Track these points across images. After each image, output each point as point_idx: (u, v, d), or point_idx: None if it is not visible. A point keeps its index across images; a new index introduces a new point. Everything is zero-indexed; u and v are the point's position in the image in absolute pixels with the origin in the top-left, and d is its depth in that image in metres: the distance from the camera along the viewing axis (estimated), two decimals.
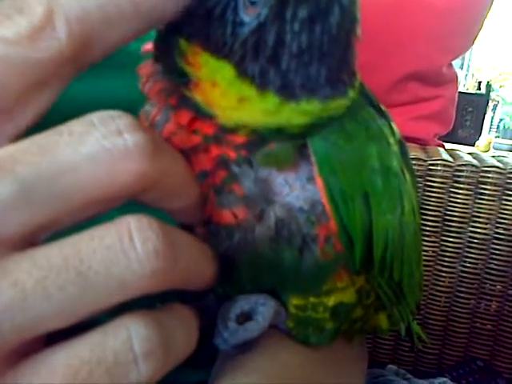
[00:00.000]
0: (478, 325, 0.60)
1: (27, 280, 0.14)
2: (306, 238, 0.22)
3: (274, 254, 0.22)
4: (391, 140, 0.23)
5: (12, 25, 0.15)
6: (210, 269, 0.19)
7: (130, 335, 0.15)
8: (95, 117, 0.16)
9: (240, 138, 0.20)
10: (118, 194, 0.16)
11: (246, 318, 0.24)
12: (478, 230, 0.58)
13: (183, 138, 0.20)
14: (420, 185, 0.58)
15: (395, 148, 0.23)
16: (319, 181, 0.21)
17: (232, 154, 0.20)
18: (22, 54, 0.15)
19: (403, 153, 0.25)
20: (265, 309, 0.24)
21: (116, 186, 0.16)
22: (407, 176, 0.24)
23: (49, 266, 0.14)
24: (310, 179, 0.21)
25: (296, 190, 0.21)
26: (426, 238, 0.59)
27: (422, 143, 0.68)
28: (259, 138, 0.20)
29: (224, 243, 0.22)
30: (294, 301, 0.24)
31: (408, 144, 0.65)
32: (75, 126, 0.15)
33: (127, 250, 0.15)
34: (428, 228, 0.59)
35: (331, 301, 0.24)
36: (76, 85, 0.20)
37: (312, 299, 0.24)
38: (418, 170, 0.58)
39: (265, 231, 0.21)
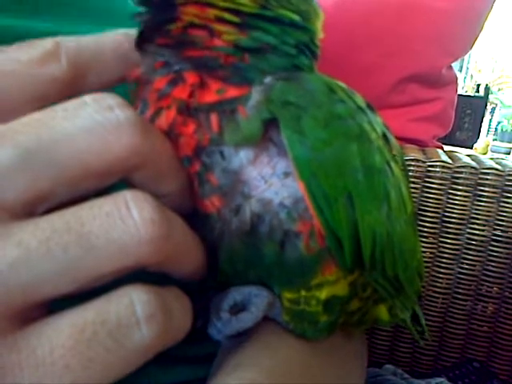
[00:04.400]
0: (474, 326, 0.60)
1: (31, 240, 0.15)
2: (287, 233, 0.22)
3: (252, 249, 0.22)
4: (373, 135, 0.23)
5: (26, 52, 0.19)
6: (200, 254, 0.21)
7: (132, 300, 0.16)
8: (87, 96, 0.17)
9: (212, 96, 0.21)
10: (111, 168, 0.17)
11: (239, 309, 0.24)
12: (476, 232, 0.58)
13: (161, 120, 0.21)
14: (418, 186, 0.58)
15: (378, 143, 0.23)
16: (301, 185, 0.21)
17: (206, 136, 0.21)
18: (31, 72, 0.19)
19: (388, 144, 0.25)
20: (258, 300, 0.24)
21: (110, 158, 0.17)
22: (394, 168, 0.24)
23: (51, 228, 0.15)
24: (287, 174, 0.21)
25: (274, 185, 0.21)
26: (423, 240, 0.59)
27: (421, 144, 0.68)
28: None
29: (207, 236, 0.22)
30: (287, 294, 0.25)
31: (407, 145, 0.66)
32: (69, 103, 0.17)
33: (125, 217, 0.16)
34: (426, 229, 0.59)
35: (323, 294, 0.24)
36: None
37: (303, 293, 0.24)
38: (416, 172, 0.58)
39: (241, 226, 0.22)
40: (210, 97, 0.21)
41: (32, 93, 0.19)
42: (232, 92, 0.21)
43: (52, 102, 0.19)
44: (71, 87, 0.20)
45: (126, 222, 0.16)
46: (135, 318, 0.16)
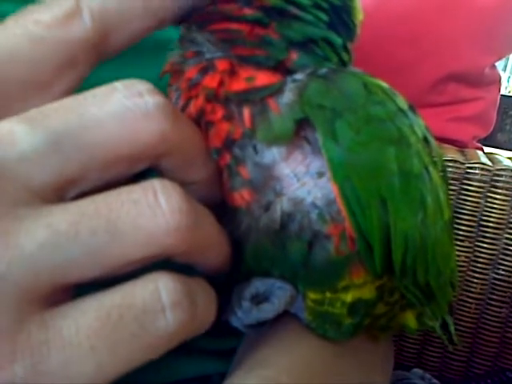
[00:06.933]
0: (509, 335, 0.58)
1: (60, 223, 0.15)
2: (317, 234, 0.22)
3: (279, 247, 0.22)
4: (412, 139, 0.22)
5: (47, 12, 0.18)
6: (225, 247, 0.20)
7: (158, 287, 0.16)
8: (117, 83, 0.17)
9: (242, 84, 0.21)
10: (140, 154, 0.17)
11: (261, 299, 0.24)
12: None
13: (190, 108, 0.21)
14: (456, 188, 0.57)
15: (417, 147, 0.23)
16: (335, 187, 0.20)
17: (238, 130, 0.21)
18: (55, 35, 0.18)
19: (429, 147, 0.24)
20: (281, 292, 0.24)
21: (139, 144, 0.17)
22: (433, 173, 0.23)
23: (80, 212, 0.15)
24: (321, 174, 0.21)
25: (307, 184, 0.21)
26: (459, 243, 0.58)
27: (461, 145, 0.66)
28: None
29: (234, 229, 0.22)
30: (311, 295, 0.24)
31: (446, 146, 0.64)
32: (98, 90, 0.17)
33: (153, 205, 0.16)
34: (462, 233, 0.57)
35: (349, 297, 0.24)
36: (105, 72, 0.21)
37: (329, 294, 0.24)
38: (454, 173, 0.56)
39: (270, 223, 0.22)
40: (238, 85, 0.21)
41: (58, 58, 0.18)
42: (261, 80, 0.21)
43: (81, 66, 0.19)
44: (98, 48, 0.19)
45: (154, 210, 0.16)
46: (161, 304, 0.16)
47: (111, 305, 0.15)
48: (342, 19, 0.23)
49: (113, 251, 0.16)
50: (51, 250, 0.15)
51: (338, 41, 0.23)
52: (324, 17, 0.22)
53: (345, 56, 0.24)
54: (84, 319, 0.15)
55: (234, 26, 0.21)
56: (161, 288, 0.16)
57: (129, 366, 0.16)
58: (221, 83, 0.21)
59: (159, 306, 0.16)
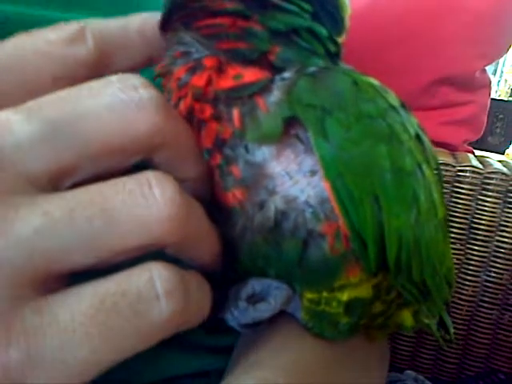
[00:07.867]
0: (500, 336, 0.59)
1: (56, 210, 0.15)
2: (312, 233, 0.22)
3: (274, 246, 0.22)
4: (404, 136, 0.22)
5: (54, 32, 0.20)
6: (215, 242, 0.21)
7: (152, 275, 0.16)
8: (112, 76, 0.18)
9: (229, 81, 0.21)
10: (133, 146, 0.18)
11: (257, 299, 0.24)
12: (506, 240, 0.57)
13: (180, 108, 0.22)
14: (447, 191, 0.57)
15: (410, 144, 0.23)
16: (327, 184, 0.21)
17: (228, 130, 0.21)
18: (59, 52, 0.20)
19: (422, 145, 0.24)
20: (278, 292, 0.24)
21: (132, 135, 0.17)
22: (426, 171, 0.23)
23: (76, 201, 0.16)
24: (314, 172, 0.21)
25: (300, 183, 0.21)
26: (450, 246, 0.58)
27: (452, 149, 0.67)
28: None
29: (228, 229, 0.22)
30: (307, 294, 0.24)
31: (437, 149, 0.64)
32: (94, 82, 0.18)
33: (147, 195, 0.16)
34: (453, 235, 0.58)
35: (345, 296, 0.24)
36: None
37: (325, 294, 0.24)
38: (446, 176, 0.57)
39: (264, 222, 0.22)
40: (226, 82, 0.21)
41: (59, 72, 0.19)
42: (249, 77, 0.21)
43: (80, 81, 0.19)
44: (97, 69, 0.20)
45: (148, 200, 0.16)
46: (155, 292, 0.16)
47: (106, 292, 0.16)
48: (327, 10, 0.23)
49: (107, 239, 0.16)
50: (47, 236, 0.15)
51: (323, 31, 0.23)
52: (308, 7, 0.22)
53: (331, 47, 0.23)
54: (79, 306, 0.15)
55: (217, 20, 0.21)
56: (155, 276, 0.16)
57: (123, 354, 0.16)
58: (208, 81, 0.21)
59: (153, 294, 0.16)
